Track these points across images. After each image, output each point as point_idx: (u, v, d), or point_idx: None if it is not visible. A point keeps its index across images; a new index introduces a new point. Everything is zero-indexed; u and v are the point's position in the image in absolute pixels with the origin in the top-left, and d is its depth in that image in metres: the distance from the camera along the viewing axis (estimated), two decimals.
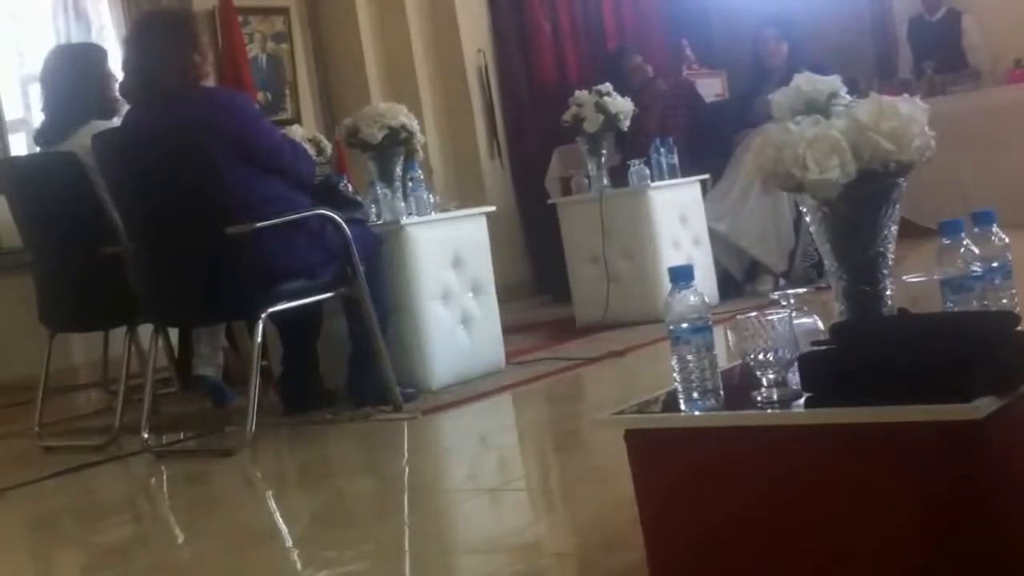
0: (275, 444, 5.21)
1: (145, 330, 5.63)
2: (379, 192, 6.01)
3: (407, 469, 4.55)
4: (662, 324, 2.53)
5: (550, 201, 8.15)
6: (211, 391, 6.15)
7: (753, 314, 2.49)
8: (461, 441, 5.03)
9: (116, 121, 5.69)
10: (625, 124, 7.60)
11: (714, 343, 2.49)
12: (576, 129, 7.62)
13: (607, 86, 7.64)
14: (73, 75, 5.91)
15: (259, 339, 5.08)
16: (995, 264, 2.64)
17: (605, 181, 7.60)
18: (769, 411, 2.41)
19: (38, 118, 6.25)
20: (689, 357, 2.45)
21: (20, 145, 8.10)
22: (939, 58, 10.57)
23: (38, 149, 6.10)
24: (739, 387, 2.58)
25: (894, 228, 2.54)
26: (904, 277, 2.66)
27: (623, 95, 7.68)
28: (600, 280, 7.52)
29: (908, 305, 2.57)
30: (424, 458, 4.77)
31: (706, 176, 8.04)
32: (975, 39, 10.72)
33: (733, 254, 8.16)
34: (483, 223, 6.23)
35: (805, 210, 2.60)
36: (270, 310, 5.08)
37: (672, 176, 7.67)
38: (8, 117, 8.06)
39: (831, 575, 2.30)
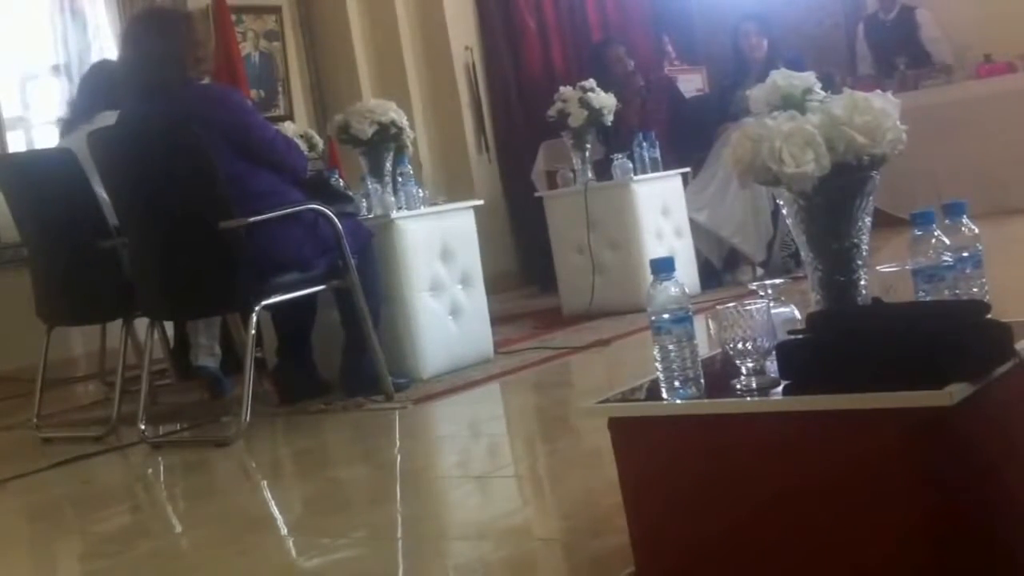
0: (270, 433, 5.24)
1: (141, 322, 5.65)
2: (370, 186, 6.05)
3: (399, 457, 4.57)
4: (646, 313, 2.54)
5: (536, 194, 8.22)
6: (210, 381, 6.20)
7: (732, 304, 2.50)
8: (451, 429, 5.05)
9: None
10: (608, 119, 7.68)
11: (695, 333, 2.50)
12: (561, 124, 7.69)
13: (591, 82, 7.72)
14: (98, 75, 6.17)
15: (253, 331, 5.12)
16: (966, 254, 2.66)
17: (589, 175, 7.69)
18: (748, 399, 2.42)
19: (36, 116, 6.36)
20: (671, 347, 2.47)
21: (18, 142, 8.12)
22: (899, 55, 10.65)
23: (60, 135, 6.32)
24: (719, 375, 2.59)
25: (868, 219, 2.56)
26: (878, 267, 2.63)
27: (606, 89, 7.75)
28: (585, 271, 7.60)
29: (882, 294, 2.57)
30: (415, 446, 4.79)
31: (687, 169, 8.13)
32: (932, 32, 10.76)
33: (713, 244, 8.24)
34: (471, 216, 6.28)
35: (782, 202, 2.61)
36: (264, 302, 5.12)
37: (654, 169, 7.76)
38: (6, 115, 8.06)
39: (811, 558, 2.32)
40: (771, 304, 2.60)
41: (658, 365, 2.51)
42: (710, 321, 2.73)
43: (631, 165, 7.60)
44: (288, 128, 6.57)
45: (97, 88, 6.19)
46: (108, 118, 5.58)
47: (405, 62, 9.75)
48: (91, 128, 5.53)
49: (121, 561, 3.62)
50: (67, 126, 6.25)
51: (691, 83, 10.60)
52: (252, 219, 5.04)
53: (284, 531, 3.79)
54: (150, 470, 5.00)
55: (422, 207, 6.09)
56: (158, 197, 5.14)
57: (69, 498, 4.64)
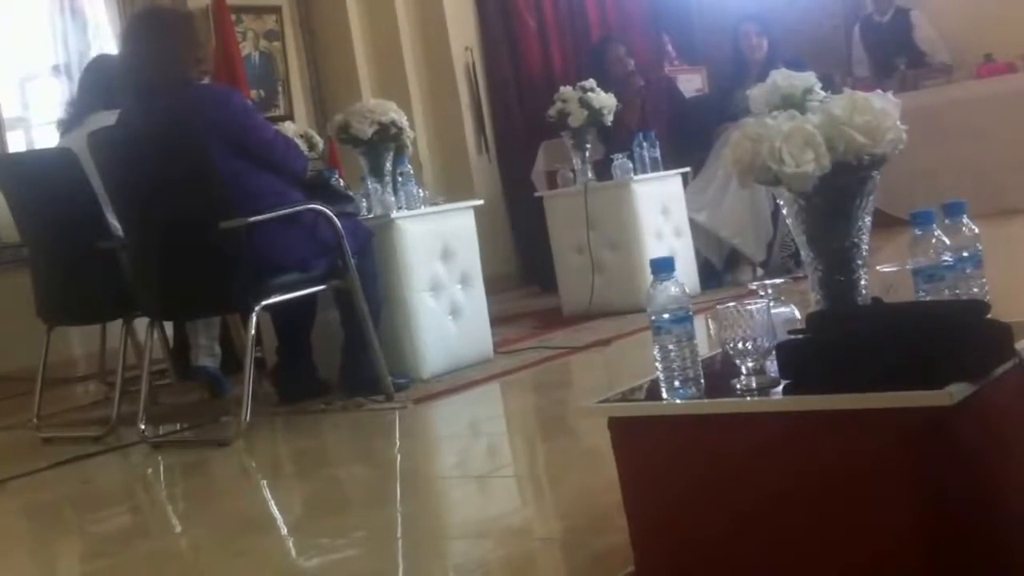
0: (270, 433, 5.24)
1: (141, 322, 5.65)
2: (370, 186, 6.05)
3: (399, 457, 4.58)
4: (646, 313, 2.53)
5: (536, 194, 8.21)
6: (210, 381, 6.20)
7: (732, 304, 2.49)
8: (451, 429, 5.06)
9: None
10: (608, 119, 7.68)
11: (695, 333, 2.49)
12: (561, 124, 7.69)
13: (591, 82, 7.72)
14: (97, 71, 6.17)
15: (253, 331, 5.12)
16: (966, 254, 2.65)
17: (589, 174, 7.69)
18: (748, 399, 2.42)
19: (36, 116, 6.34)
20: (671, 347, 2.46)
21: (18, 142, 8.13)
22: (896, 56, 10.65)
23: (59, 134, 6.31)
24: (719, 375, 2.58)
25: (868, 219, 2.56)
26: (878, 267, 2.63)
27: (606, 89, 7.75)
28: (585, 271, 7.60)
29: (882, 294, 2.57)
30: (415, 446, 4.79)
31: (687, 169, 8.13)
32: (927, 32, 10.77)
33: (713, 244, 8.24)
34: (471, 216, 6.27)
35: (782, 202, 2.62)
36: (264, 303, 5.12)
37: (654, 169, 7.75)
38: (6, 115, 8.06)
39: (810, 558, 2.32)
40: (771, 304, 2.59)
41: (658, 365, 2.51)
42: (710, 321, 2.72)
43: (631, 165, 7.61)
44: (288, 128, 6.55)
45: (96, 85, 6.19)
46: (106, 117, 5.58)
47: (405, 62, 9.75)
48: (90, 128, 5.53)
49: (120, 561, 3.62)
50: (66, 126, 6.25)
51: (691, 83, 10.60)
52: (252, 219, 5.04)
53: (284, 531, 3.79)
54: (150, 470, 5.00)
55: (422, 207, 6.09)
56: (158, 197, 5.13)
57: (69, 498, 4.64)
